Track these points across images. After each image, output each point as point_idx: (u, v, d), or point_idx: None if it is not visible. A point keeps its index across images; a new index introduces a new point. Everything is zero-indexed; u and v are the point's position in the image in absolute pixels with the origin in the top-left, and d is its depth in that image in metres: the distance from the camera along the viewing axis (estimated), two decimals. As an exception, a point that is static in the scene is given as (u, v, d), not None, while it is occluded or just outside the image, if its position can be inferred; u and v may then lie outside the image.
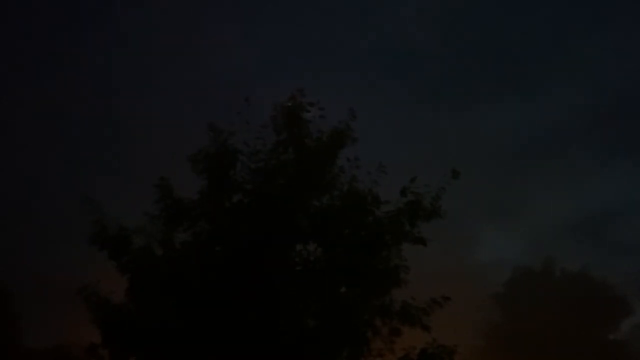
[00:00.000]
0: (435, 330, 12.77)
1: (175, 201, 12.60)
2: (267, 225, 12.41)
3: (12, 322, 20.16)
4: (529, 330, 34.15)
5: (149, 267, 12.28)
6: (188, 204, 12.66)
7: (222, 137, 12.65)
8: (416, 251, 13.05)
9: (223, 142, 12.68)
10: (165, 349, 12.01)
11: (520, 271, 36.42)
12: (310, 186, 12.83)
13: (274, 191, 12.54)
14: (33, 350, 21.62)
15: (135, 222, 12.41)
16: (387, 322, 12.75)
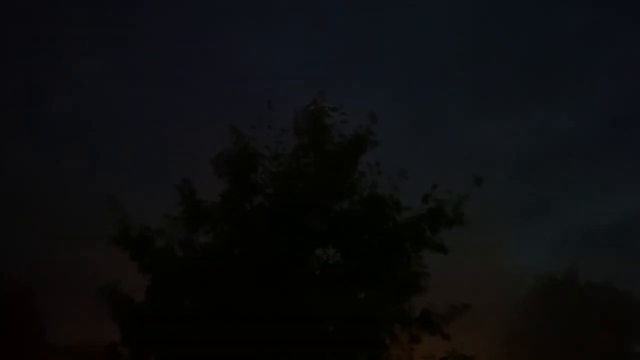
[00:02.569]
0: (455, 338, 12.64)
1: (197, 203, 12.70)
2: (287, 229, 12.43)
3: (35, 320, 20.53)
4: (551, 340, 33.58)
5: (169, 268, 12.39)
6: (209, 207, 12.76)
7: (244, 141, 12.72)
8: (438, 258, 12.97)
9: (245, 145, 12.74)
10: (183, 348, 12.10)
11: (543, 280, 35.85)
12: (331, 191, 12.82)
13: (294, 195, 12.56)
14: (56, 348, 22.01)
15: (158, 224, 12.53)
16: (406, 328, 12.67)
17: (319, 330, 12.51)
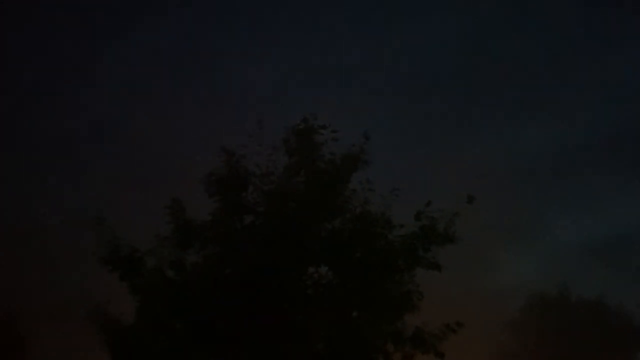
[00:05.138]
0: (448, 357, 12.52)
1: (187, 222, 12.58)
2: (279, 247, 12.33)
3: (19, 345, 19.98)
4: (544, 358, 33.43)
5: (159, 289, 12.22)
6: (200, 226, 12.64)
7: (234, 159, 12.67)
8: (430, 276, 12.91)
9: (235, 164, 12.68)
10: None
11: (535, 297, 35.79)
12: (322, 209, 12.76)
13: (285, 214, 12.48)
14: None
15: (147, 243, 12.39)
16: (399, 348, 12.54)
17: (312, 350, 12.34)
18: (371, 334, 12.53)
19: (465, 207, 12.56)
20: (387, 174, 13.16)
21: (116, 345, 12.06)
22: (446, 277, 13.17)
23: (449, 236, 12.54)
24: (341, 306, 12.58)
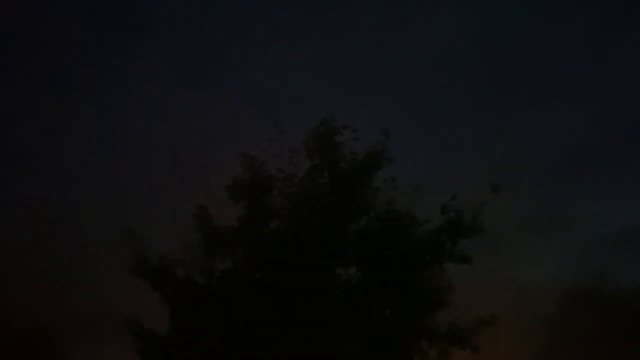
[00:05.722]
0: (482, 353, 12.36)
1: (214, 230, 12.68)
2: (306, 250, 12.34)
3: (55, 355, 20.19)
4: (580, 352, 32.67)
5: (190, 297, 12.33)
6: (227, 232, 12.74)
7: (256, 165, 12.74)
8: (461, 271, 12.78)
9: (257, 169, 12.76)
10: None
11: (570, 289, 35.03)
12: (347, 209, 12.75)
13: (310, 216, 12.50)
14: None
15: (175, 252, 12.53)
16: (434, 344, 12.41)
17: (346, 351, 12.30)
18: (404, 332, 12.43)
19: (491, 198, 12.44)
20: (410, 170, 13.08)
21: (151, 354, 12.19)
22: (477, 271, 13.02)
23: (476, 227, 12.40)
24: (372, 305, 12.52)
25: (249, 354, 12.03)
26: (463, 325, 12.35)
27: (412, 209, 12.71)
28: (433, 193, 12.88)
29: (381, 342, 12.21)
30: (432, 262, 12.69)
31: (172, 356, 12.17)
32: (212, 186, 13.01)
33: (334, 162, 12.80)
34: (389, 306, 12.80)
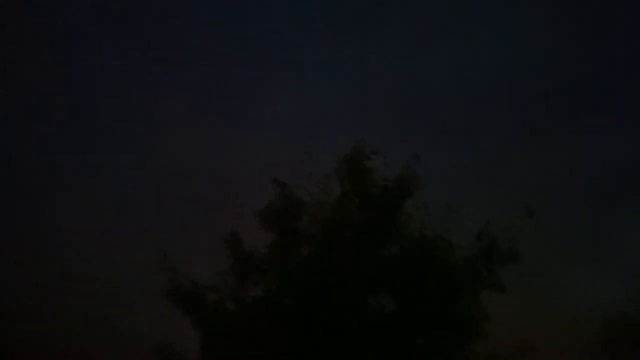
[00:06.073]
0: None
1: (246, 255, 12.72)
2: (337, 276, 12.23)
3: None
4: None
5: (221, 323, 12.33)
6: (258, 258, 12.75)
7: (288, 191, 12.79)
8: (497, 299, 12.44)
9: (289, 195, 12.80)
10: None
11: (613, 318, 33.54)
12: (379, 236, 12.62)
13: (341, 242, 12.42)
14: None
15: (207, 277, 12.59)
16: (472, 374, 12.05)
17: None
18: (439, 361, 12.12)
19: (526, 222, 12.14)
20: (442, 193, 12.87)
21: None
22: (514, 299, 12.65)
23: (512, 254, 12.09)
24: (406, 334, 12.26)
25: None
26: (501, 355, 11.95)
27: (445, 235, 12.50)
28: (466, 218, 12.64)
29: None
30: (468, 290, 12.40)
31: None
32: (245, 212, 13.08)
33: (364, 188, 12.74)
34: (424, 335, 12.51)
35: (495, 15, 21.39)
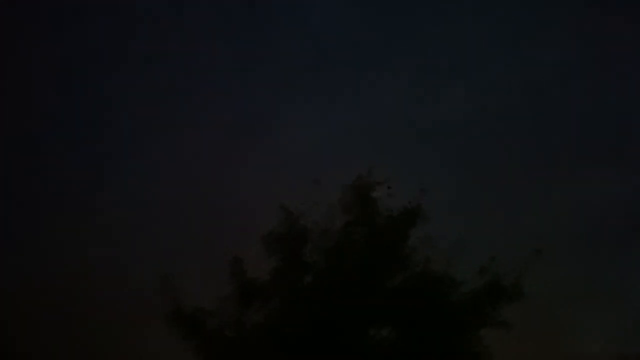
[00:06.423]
0: None
1: (248, 281, 12.67)
2: (339, 306, 12.13)
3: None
4: None
5: (220, 349, 12.22)
6: (261, 284, 12.70)
7: (293, 218, 12.80)
8: (501, 337, 12.24)
9: (294, 222, 12.80)
10: None
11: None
12: (382, 266, 12.54)
13: (344, 271, 12.35)
14: None
15: (210, 301, 12.53)
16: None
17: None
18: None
19: (534, 262, 12.01)
20: (447, 228, 12.80)
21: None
22: (518, 339, 12.43)
23: (516, 292, 11.94)
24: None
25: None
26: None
27: (450, 269, 12.40)
28: (472, 253, 12.53)
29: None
30: (470, 326, 12.22)
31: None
32: (249, 238, 13.08)
33: (369, 218, 12.73)
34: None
35: (507, 52, 21.53)
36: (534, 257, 12.09)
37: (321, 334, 11.99)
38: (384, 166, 12.83)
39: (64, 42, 20.65)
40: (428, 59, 20.98)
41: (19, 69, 20.21)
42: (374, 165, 12.75)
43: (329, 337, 11.98)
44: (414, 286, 12.46)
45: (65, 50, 20.48)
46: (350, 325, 12.18)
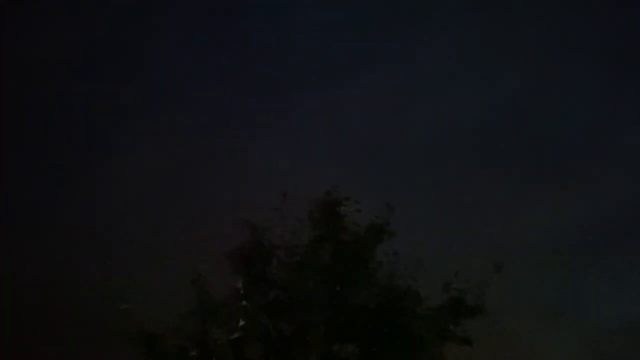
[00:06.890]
0: None
1: (210, 298, 12.46)
2: (304, 322, 12.04)
3: None
4: None
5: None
6: (223, 302, 12.50)
7: (258, 233, 12.68)
8: (463, 353, 12.36)
9: (259, 238, 12.69)
10: None
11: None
12: (348, 282, 12.53)
13: (309, 287, 12.29)
14: None
15: (170, 319, 12.25)
16: None
17: None
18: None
19: (494, 278, 12.21)
20: (413, 246, 12.91)
21: None
22: (479, 354, 12.55)
23: (478, 307, 12.11)
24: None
25: None
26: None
27: (414, 285, 12.48)
28: (435, 269, 12.66)
29: None
30: (433, 342, 12.30)
31: None
32: (212, 253, 12.87)
33: (336, 233, 12.73)
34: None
35: (484, 69, 22.06)
36: (494, 272, 12.30)
37: (285, 351, 11.86)
38: (351, 182, 12.87)
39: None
40: (400, 77, 21.33)
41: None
42: (342, 183, 12.79)
43: (293, 354, 11.86)
44: (378, 301, 12.49)
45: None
46: (314, 342, 12.09)
